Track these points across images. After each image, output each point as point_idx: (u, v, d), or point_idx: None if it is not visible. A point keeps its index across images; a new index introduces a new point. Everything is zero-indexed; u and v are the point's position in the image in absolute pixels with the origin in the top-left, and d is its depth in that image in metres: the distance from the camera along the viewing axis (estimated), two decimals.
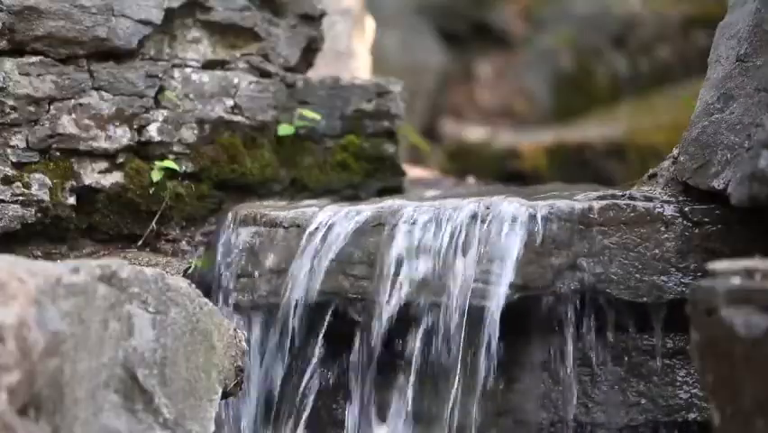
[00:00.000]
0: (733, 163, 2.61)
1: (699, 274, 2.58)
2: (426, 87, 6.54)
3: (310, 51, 3.26)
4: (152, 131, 2.98)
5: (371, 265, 2.69)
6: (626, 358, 2.67)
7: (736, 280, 1.99)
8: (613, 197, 2.72)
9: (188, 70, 3.05)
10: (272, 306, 2.75)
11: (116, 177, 2.96)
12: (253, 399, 2.74)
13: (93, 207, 2.95)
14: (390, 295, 2.66)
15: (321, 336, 2.73)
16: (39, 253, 2.90)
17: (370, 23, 4.51)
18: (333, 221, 2.75)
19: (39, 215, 2.85)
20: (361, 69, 4.33)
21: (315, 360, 2.73)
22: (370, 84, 3.27)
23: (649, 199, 2.70)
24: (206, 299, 2.33)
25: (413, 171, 3.82)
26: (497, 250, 2.63)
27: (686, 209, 2.67)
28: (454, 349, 2.62)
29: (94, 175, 2.93)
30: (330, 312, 2.71)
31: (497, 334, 2.61)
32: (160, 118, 2.99)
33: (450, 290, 2.63)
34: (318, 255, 2.72)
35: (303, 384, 2.74)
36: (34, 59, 2.86)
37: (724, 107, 2.69)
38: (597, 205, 2.66)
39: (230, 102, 3.08)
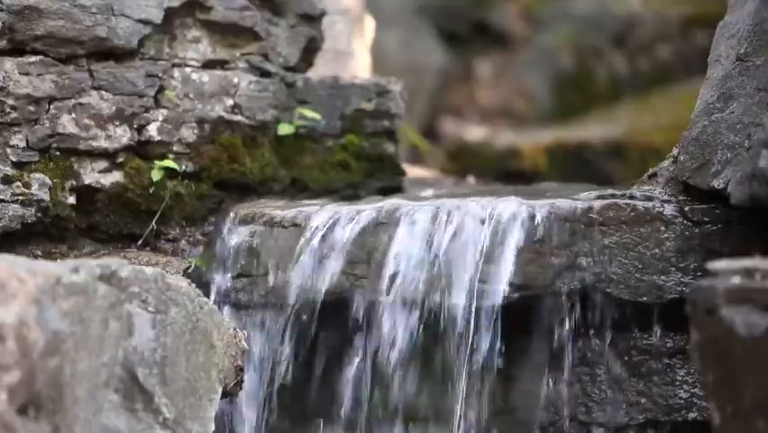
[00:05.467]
0: (733, 163, 2.61)
1: (698, 274, 2.58)
2: (426, 87, 6.54)
3: (310, 51, 3.26)
4: (152, 130, 2.98)
5: (371, 265, 2.69)
6: (626, 358, 2.66)
7: (736, 280, 1.99)
8: (613, 196, 2.72)
9: (188, 70, 3.05)
10: (272, 305, 2.75)
11: (116, 176, 2.96)
12: (254, 398, 2.74)
13: (93, 207, 2.95)
14: (390, 295, 2.65)
15: (321, 335, 2.73)
16: (39, 253, 2.90)
17: (370, 23, 4.51)
18: (333, 221, 2.75)
19: (39, 214, 2.85)
20: (360, 68, 4.33)
21: (314, 359, 2.73)
22: (370, 83, 3.27)
23: (649, 199, 2.70)
24: (206, 299, 2.34)
25: (413, 171, 3.82)
26: (497, 249, 2.63)
27: (686, 209, 2.67)
28: (454, 349, 2.62)
29: (94, 174, 2.93)
30: (330, 311, 2.71)
31: (497, 333, 2.61)
32: (160, 118, 2.99)
33: (450, 289, 2.63)
34: (318, 255, 2.72)
35: (303, 383, 2.74)
36: (34, 58, 2.86)
37: (724, 107, 2.69)
38: (597, 204, 2.66)
39: (230, 101, 3.08)
